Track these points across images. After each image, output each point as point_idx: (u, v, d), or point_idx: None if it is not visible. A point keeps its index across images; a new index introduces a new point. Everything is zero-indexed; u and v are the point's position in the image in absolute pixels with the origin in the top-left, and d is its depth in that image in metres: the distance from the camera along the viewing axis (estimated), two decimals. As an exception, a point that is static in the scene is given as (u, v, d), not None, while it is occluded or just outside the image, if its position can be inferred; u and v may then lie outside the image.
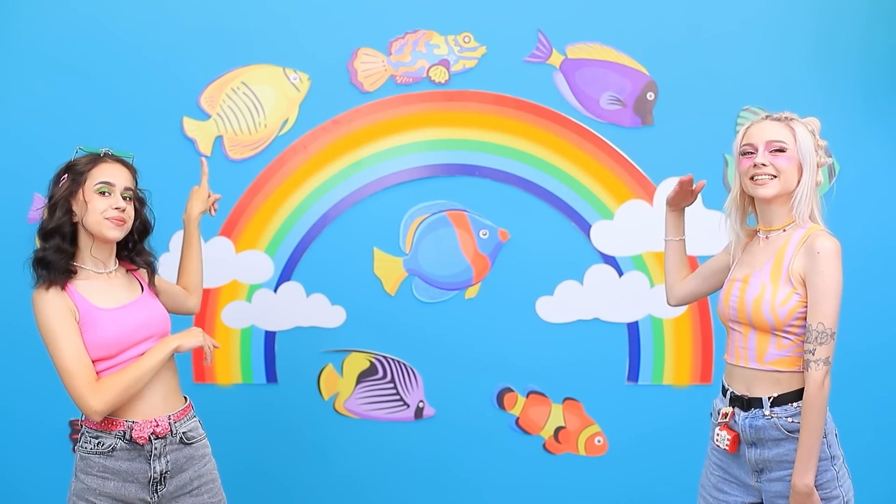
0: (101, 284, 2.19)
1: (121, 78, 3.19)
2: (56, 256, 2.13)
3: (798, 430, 2.08)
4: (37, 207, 3.21)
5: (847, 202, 3.11)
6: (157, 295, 2.33)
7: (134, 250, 2.31)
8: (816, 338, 2.04)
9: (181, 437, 2.22)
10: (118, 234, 2.18)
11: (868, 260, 3.18)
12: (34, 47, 3.20)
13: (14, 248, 3.19)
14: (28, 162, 3.20)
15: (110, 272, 2.23)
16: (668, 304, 2.51)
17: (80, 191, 2.15)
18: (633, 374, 3.25)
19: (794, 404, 2.10)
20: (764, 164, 2.12)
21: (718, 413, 2.23)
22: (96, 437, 2.15)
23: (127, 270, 2.30)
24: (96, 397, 2.07)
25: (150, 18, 3.19)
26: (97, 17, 3.20)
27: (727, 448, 2.18)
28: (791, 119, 2.16)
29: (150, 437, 2.16)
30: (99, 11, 3.20)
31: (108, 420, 2.15)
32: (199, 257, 2.53)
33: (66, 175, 2.18)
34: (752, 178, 2.15)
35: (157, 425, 2.17)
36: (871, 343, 3.20)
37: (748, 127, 2.20)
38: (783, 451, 2.10)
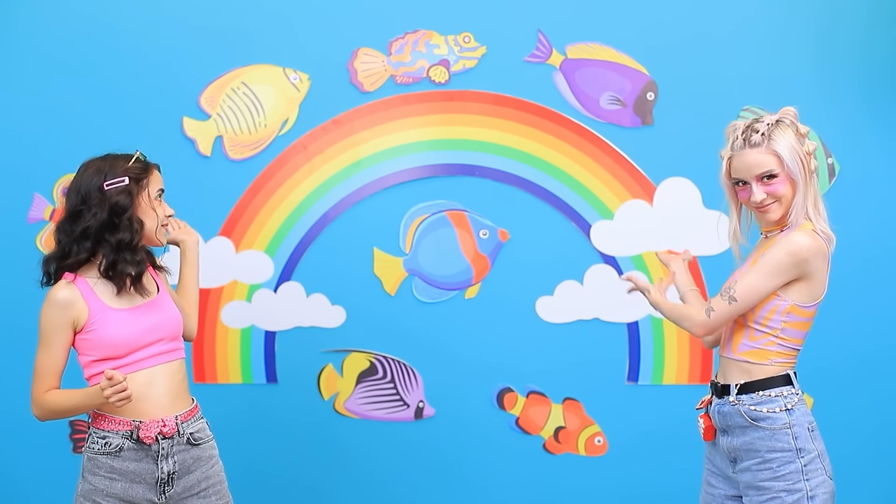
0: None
1: (121, 78, 3.19)
2: (138, 269, 2.17)
3: (761, 419, 2.11)
4: (37, 207, 3.22)
5: (847, 202, 3.10)
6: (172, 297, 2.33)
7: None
8: (721, 293, 2.14)
9: (188, 438, 2.21)
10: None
11: (868, 261, 3.17)
12: (34, 47, 3.20)
13: (14, 248, 3.21)
14: (28, 162, 3.20)
15: None
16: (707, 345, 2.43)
17: (141, 200, 2.17)
18: (634, 374, 3.25)
19: (760, 393, 2.13)
20: (764, 199, 2.12)
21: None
22: (103, 438, 2.15)
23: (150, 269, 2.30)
24: (37, 407, 2.19)
25: (150, 18, 3.19)
26: (97, 17, 3.19)
27: (702, 435, 2.25)
28: (769, 137, 2.10)
29: (157, 437, 2.15)
30: (99, 11, 3.19)
31: (116, 420, 2.15)
32: (195, 285, 2.46)
33: (127, 182, 2.15)
34: (755, 208, 2.16)
35: (164, 425, 2.16)
36: (871, 344, 3.20)
37: (731, 158, 2.15)
38: (748, 440, 2.13)
